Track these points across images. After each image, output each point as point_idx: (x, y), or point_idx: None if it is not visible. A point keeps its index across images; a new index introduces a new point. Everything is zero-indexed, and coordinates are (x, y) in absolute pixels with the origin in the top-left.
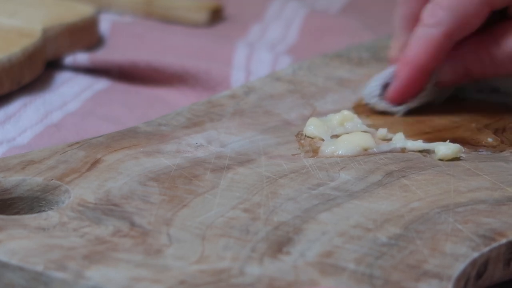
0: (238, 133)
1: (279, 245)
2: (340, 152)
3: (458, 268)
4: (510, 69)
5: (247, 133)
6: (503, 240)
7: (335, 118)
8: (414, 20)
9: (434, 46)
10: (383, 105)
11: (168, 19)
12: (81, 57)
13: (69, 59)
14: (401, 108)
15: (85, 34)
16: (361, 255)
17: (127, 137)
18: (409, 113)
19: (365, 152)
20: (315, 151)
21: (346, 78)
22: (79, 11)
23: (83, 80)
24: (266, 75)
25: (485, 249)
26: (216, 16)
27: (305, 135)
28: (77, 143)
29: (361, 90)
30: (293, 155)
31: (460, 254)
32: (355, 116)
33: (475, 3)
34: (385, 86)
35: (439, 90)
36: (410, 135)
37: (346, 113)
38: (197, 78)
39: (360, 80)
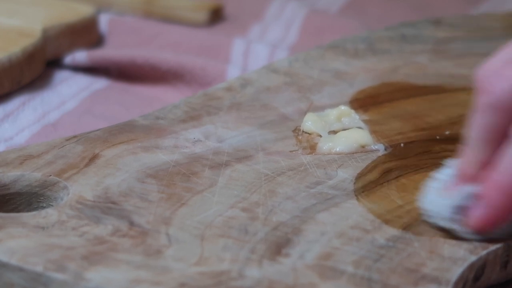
0: (236, 128)
1: (278, 246)
2: (337, 149)
3: (456, 272)
4: None
5: (245, 128)
6: (500, 243)
7: (332, 114)
8: (499, 134)
9: None
10: (456, 229)
11: (168, 19)
12: (79, 55)
13: (68, 58)
14: (482, 238)
15: (85, 34)
16: (360, 258)
17: (124, 131)
18: (407, 109)
19: (363, 149)
20: (312, 148)
21: (342, 71)
22: (79, 11)
23: (82, 80)
24: (262, 66)
25: (483, 252)
26: (216, 16)
27: (303, 131)
28: (74, 137)
29: (421, 199)
30: (290, 151)
31: (458, 258)
32: (352, 111)
33: None
34: (459, 208)
35: None
36: (407, 131)
37: (343, 108)
38: (194, 74)
39: (356, 72)
